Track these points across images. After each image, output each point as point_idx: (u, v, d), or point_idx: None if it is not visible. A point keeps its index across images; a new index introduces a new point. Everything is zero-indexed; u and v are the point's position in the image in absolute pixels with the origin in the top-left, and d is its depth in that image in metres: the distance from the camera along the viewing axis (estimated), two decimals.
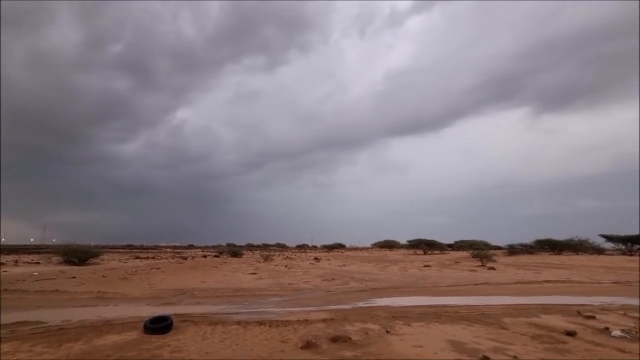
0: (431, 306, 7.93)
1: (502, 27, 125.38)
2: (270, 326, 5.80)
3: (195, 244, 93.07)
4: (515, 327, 5.86)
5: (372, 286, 12.15)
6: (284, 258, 32.26)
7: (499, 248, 43.15)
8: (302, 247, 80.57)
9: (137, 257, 31.20)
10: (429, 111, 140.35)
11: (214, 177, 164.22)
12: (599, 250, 38.99)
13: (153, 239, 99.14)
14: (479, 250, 26.67)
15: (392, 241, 60.69)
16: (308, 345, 4.61)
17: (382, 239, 64.19)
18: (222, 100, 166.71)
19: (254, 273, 16.57)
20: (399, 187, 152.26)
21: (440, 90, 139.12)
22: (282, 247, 79.96)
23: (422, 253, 43.05)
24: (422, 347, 4.70)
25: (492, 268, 20.20)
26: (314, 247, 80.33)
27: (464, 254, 33.25)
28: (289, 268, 20.01)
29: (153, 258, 30.73)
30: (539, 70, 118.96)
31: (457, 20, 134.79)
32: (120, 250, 54.93)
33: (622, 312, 7.16)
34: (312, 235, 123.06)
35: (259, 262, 25.28)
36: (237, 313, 7.16)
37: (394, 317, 6.60)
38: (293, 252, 51.10)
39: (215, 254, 38.80)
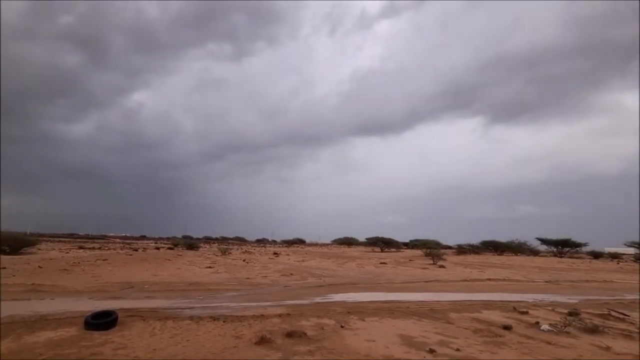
0: (385, 302, 8.23)
1: (462, 41, 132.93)
2: (224, 321, 5.67)
3: (148, 235, 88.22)
4: (460, 322, 6.27)
5: (329, 282, 12.34)
6: (243, 252, 31.69)
7: (449, 247, 45.92)
8: (261, 242, 79.62)
9: (80, 247, 28.90)
10: (391, 114, 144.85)
11: (171, 166, 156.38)
12: (535, 252, 42.96)
13: (100, 228, 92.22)
14: (431, 250, 28.14)
15: (351, 238, 62.07)
16: (262, 341, 4.57)
17: (341, 235, 65.47)
18: (183, 85, 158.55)
19: (210, 267, 16.09)
20: (360, 185, 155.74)
21: (404, 95, 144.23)
22: (241, 241, 78.40)
23: (379, 250, 44.53)
24: (374, 341, 4.86)
25: (442, 266, 21.43)
26: (274, 242, 79.79)
27: (418, 252, 34.92)
28: (247, 262, 19.69)
29: (99, 248, 28.66)
30: (491, 84, 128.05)
31: (423, 29, 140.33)
32: (62, 239, 50.58)
33: (550, 308, 7.94)
34: (273, 230, 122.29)
35: (216, 255, 24.59)
36: (190, 308, 6.91)
37: (349, 312, 6.76)
38: (252, 247, 50.34)
39: (169, 246, 37.09)
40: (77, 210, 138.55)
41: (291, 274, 14.38)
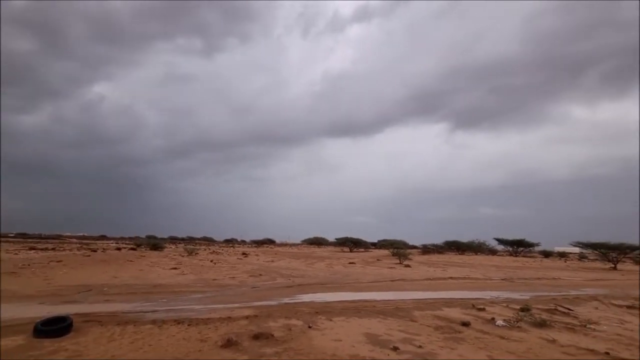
0: (352, 301, 8.39)
1: (429, 49, 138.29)
2: (189, 325, 5.53)
3: (108, 235, 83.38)
4: (423, 320, 6.54)
5: (298, 282, 12.37)
6: (210, 252, 30.88)
7: (415, 247, 47.52)
8: (230, 242, 77.87)
9: (32, 248, 26.76)
10: (362, 116, 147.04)
11: (134, 162, 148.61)
12: (493, 252, 45.60)
13: (55, 227, 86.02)
14: (398, 250, 28.97)
15: (321, 238, 62.31)
16: (228, 344, 4.52)
17: (311, 235, 65.52)
18: (149, 79, 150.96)
19: (175, 268, 15.54)
20: (330, 186, 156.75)
21: (374, 98, 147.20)
22: (209, 241, 76.16)
23: (349, 251, 45.11)
24: (340, 340, 4.96)
25: (408, 266, 22.14)
26: (243, 242, 78.37)
27: (386, 252, 35.81)
28: (215, 263, 19.24)
29: (53, 249, 26.71)
30: (455, 91, 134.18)
31: (393, 35, 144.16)
32: (10, 239, 46.54)
33: (505, 305, 8.48)
34: (242, 230, 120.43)
35: (182, 256, 23.78)
36: (152, 311, 6.66)
37: (317, 312, 6.82)
38: (220, 247, 49.14)
39: (131, 246, 35.34)
40: (29, 209, 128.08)
41: (260, 275, 14.24)
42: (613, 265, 28.20)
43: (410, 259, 26.51)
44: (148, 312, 6.60)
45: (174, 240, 70.74)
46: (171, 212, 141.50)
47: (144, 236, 66.86)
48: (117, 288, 9.56)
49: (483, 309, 7.70)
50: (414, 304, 8.17)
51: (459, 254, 40.15)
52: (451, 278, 15.56)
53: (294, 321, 6.03)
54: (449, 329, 5.86)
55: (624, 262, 32.12)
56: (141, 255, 22.84)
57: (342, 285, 12.12)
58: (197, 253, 27.28)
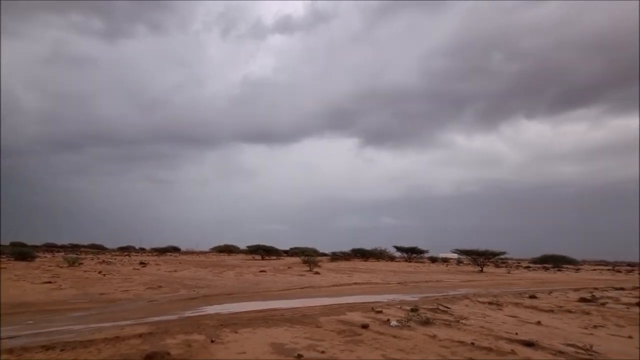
0: (260, 311, 8.29)
1: (345, 70, 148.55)
2: (62, 350, 4.70)
3: None
4: (327, 325, 6.84)
5: (204, 293, 11.66)
6: (99, 262, 26.80)
7: (324, 255, 49.50)
8: (126, 250, 68.74)
9: None
10: (279, 125, 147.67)
11: (1, 152, 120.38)
12: (392, 258, 50.43)
13: None
14: (308, 257, 29.76)
15: (232, 246, 59.95)
16: None
17: (222, 243, 62.54)
18: (30, 55, 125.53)
19: (49, 282, 13.03)
20: (244, 192, 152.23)
21: (292, 108, 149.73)
22: (98, 249, 65.92)
23: (260, 258, 44.38)
24: (245, 353, 4.85)
25: (318, 273, 22.87)
26: (142, 250, 70.07)
27: (297, 259, 36.33)
28: (104, 275, 16.77)
29: None
30: (366, 111, 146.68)
31: (313, 51, 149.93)
32: None
33: (399, 307, 9.45)
34: (141, 237, 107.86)
35: (61, 267, 20.08)
36: (12, 337, 5.47)
37: (222, 325, 6.53)
38: (113, 256, 42.99)
39: None
40: None
41: (160, 287, 12.95)
42: (480, 269, 33.99)
43: (320, 266, 27.44)
44: (4, 338, 5.39)
45: (51, 248, 59.40)
46: (50, 214, 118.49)
47: (7, 243, 54.11)
48: None
49: (380, 312, 8.44)
50: (320, 310, 8.49)
51: (364, 261, 43.21)
52: (355, 283, 16.66)
53: (195, 336, 5.66)
54: (350, 332, 6.26)
55: (488, 265, 39.14)
56: (1, 267, 18.49)
57: (252, 294, 11.87)
58: (82, 263, 23.44)
